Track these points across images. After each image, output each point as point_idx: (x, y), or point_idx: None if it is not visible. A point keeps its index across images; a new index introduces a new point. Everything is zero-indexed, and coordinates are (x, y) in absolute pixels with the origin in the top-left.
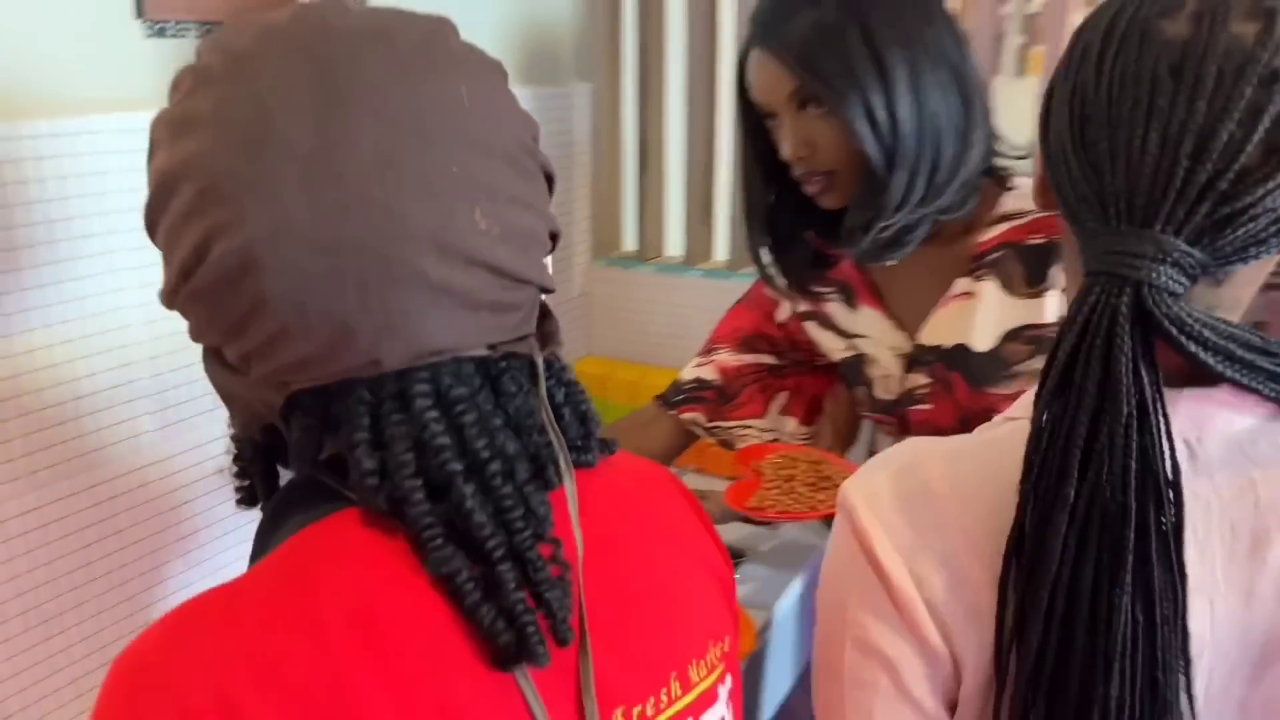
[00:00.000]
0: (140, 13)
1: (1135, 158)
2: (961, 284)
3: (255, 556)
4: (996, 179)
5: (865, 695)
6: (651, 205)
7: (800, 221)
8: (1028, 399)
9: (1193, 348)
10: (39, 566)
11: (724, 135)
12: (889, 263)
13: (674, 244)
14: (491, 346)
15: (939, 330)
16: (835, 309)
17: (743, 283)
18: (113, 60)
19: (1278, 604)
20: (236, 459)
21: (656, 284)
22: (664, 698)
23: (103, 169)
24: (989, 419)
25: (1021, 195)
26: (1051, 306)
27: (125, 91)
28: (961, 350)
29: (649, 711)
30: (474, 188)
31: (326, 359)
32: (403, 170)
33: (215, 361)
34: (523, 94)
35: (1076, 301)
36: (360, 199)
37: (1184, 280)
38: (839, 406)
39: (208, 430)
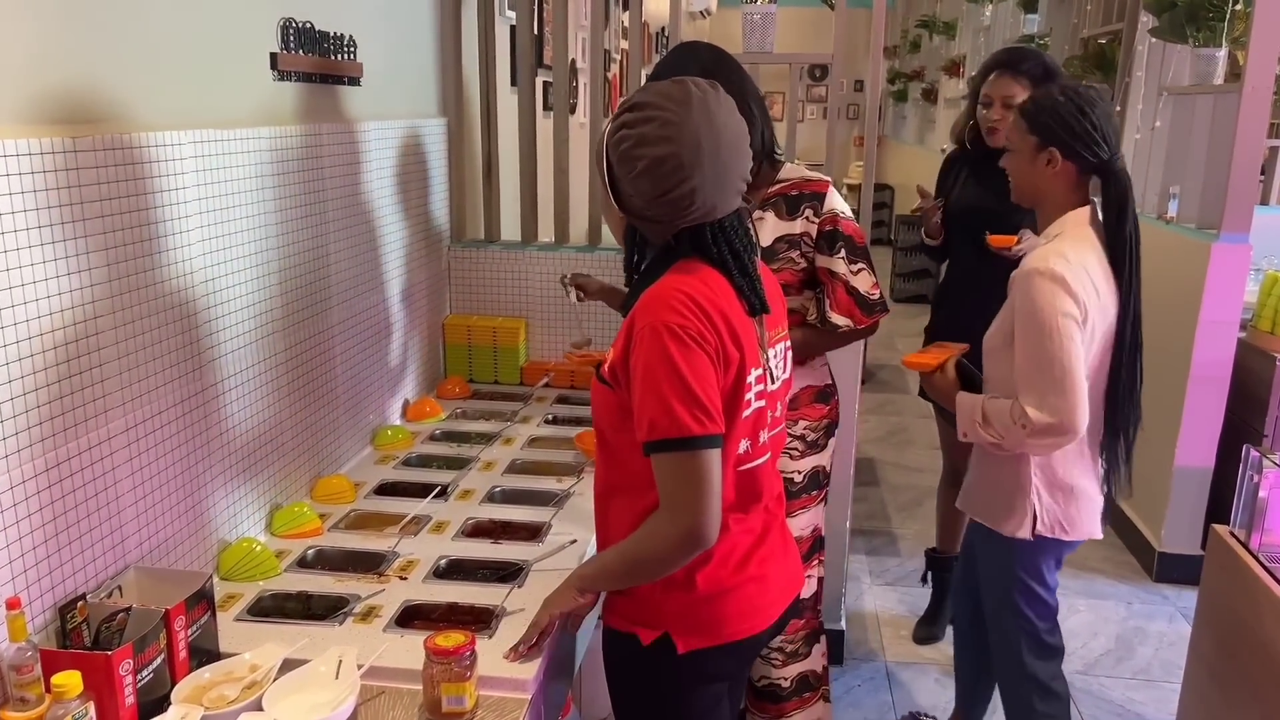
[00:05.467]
0: (274, 67)
1: (1113, 135)
2: (757, 213)
3: (642, 287)
4: (773, 163)
5: (1070, 331)
6: (492, 203)
7: None
8: (1064, 226)
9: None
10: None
11: (543, 153)
12: None
13: (510, 230)
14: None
15: None
16: None
17: (566, 255)
18: (254, 94)
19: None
20: (630, 256)
21: (499, 259)
22: (778, 334)
23: (257, 161)
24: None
25: (787, 170)
26: (799, 226)
27: (263, 113)
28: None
29: (775, 340)
30: (745, 157)
31: (702, 215)
32: (738, 145)
33: (638, 223)
34: (406, 124)
35: (1108, 188)
36: (715, 160)
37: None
38: None
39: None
